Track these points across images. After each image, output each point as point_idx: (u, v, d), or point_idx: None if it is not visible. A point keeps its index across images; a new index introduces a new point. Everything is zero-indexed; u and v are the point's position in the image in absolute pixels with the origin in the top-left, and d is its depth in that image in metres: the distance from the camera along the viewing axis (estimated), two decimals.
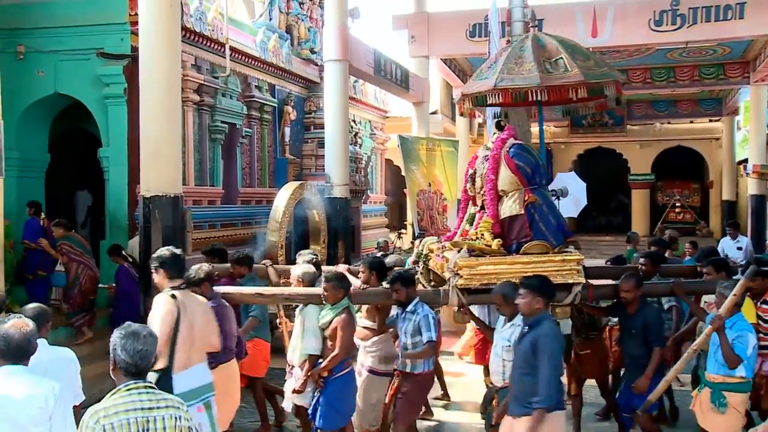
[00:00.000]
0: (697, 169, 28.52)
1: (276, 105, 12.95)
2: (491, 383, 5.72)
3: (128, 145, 10.07)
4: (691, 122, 26.66)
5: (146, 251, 7.39)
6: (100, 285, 9.19)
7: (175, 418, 3.10)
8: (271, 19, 13.14)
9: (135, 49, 8.89)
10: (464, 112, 6.57)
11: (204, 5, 10.70)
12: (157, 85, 7.74)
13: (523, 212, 5.78)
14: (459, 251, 5.86)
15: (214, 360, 5.18)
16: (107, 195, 10.43)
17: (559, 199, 15.47)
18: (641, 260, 6.68)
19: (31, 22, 10.34)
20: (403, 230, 21.96)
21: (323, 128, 12.95)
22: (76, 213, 12.95)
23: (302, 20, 14.45)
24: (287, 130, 13.38)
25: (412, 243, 17.03)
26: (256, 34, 12.23)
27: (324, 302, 5.59)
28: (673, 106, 25.40)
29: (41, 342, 3.82)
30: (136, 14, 8.53)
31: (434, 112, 21.51)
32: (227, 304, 5.64)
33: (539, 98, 5.82)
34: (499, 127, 6.24)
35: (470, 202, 6.44)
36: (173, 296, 4.71)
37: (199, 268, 5.42)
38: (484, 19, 13.95)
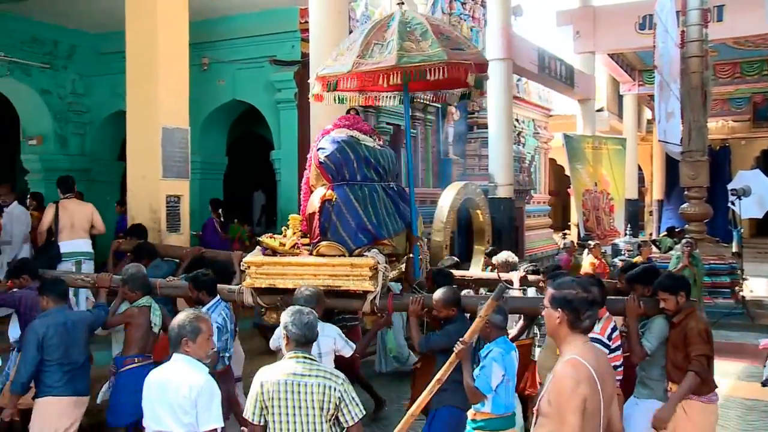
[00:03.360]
0: None
1: (439, 105, 13.00)
2: None
3: (298, 147, 10.51)
4: None
5: None
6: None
7: (326, 386, 3.44)
8: None
9: (305, 56, 9.28)
10: (314, 95, 5.88)
11: (369, 10, 10.96)
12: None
13: (317, 210, 5.32)
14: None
15: None
16: (279, 194, 10.96)
17: (740, 199, 14.46)
18: None
19: (213, 35, 11.06)
20: (567, 231, 21.33)
21: (486, 128, 12.87)
22: (253, 211, 13.75)
23: (465, 20, 14.41)
24: (450, 130, 13.40)
25: (578, 244, 16.53)
26: None
27: None
28: None
29: None
30: (306, 22, 8.91)
31: (600, 110, 20.80)
32: None
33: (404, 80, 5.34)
34: (356, 111, 5.96)
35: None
36: None
37: None
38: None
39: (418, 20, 5.53)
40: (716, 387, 4.64)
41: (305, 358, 3.54)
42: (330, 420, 3.47)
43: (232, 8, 10.66)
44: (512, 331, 5.63)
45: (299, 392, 3.43)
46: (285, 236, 5.47)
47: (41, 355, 4.82)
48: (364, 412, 3.65)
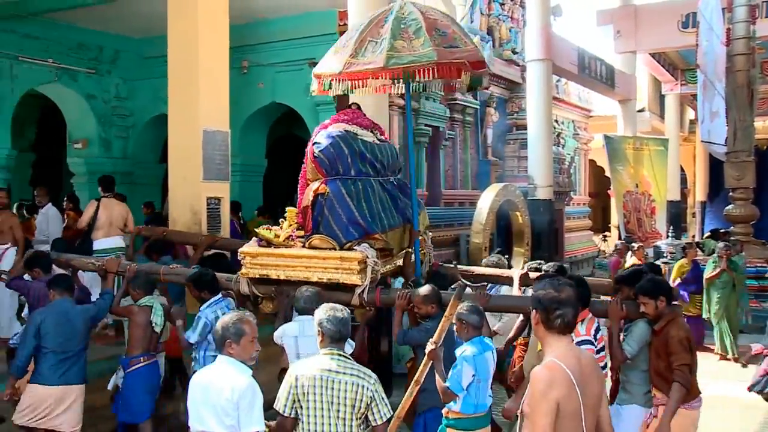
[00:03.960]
0: None
1: (478, 107, 12.94)
2: None
3: None
4: None
5: None
6: None
7: (358, 385, 3.50)
8: (472, 22, 13.17)
9: None
10: (319, 90, 5.74)
11: None
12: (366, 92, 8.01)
13: (309, 204, 5.32)
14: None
15: None
16: None
17: None
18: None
19: (253, 38, 11.17)
20: (607, 233, 21.06)
21: (525, 129, 12.77)
22: None
23: (503, 21, 14.33)
24: (489, 132, 13.32)
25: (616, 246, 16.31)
26: None
27: None
28: None
29: None
30: (345, 24, 8.94)
31: (641, 110, 20.50)
32: None
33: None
34: (358, 106, 5.96)
35: None
36: None
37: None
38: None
39: (414, 16, 5.45)
40: (699, 393, 4.56)
41: (340, 355, 3.60)
42: (360, 418, 3.53)
43: (272, 12, 10.77)
44: (510, 333, 5.64)
45: (332, 389, 3.49)
46: (282, 228, 5.59)
47: (38, 342, 5.11)
48: (392, 413, 3.71)
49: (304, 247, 5.34)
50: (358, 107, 6.04)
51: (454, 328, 4.51)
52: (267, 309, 5.64)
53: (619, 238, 15.95)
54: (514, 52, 14.31)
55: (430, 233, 6.68)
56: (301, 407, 3.52)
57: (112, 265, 6.02)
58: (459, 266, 6.85)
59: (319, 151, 5.41)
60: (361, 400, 3.50)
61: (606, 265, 14.01)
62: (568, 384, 2.76)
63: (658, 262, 11.90)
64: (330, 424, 3.50)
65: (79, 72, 11.80)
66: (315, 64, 10.30)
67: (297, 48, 10.95)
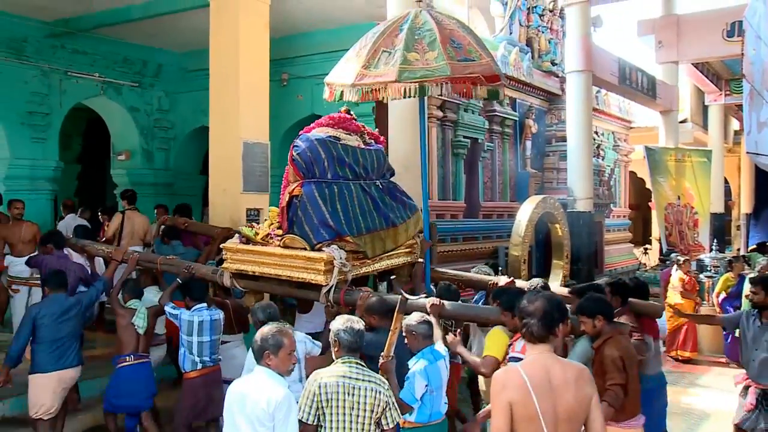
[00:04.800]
0: None
1: (517, 119, 12.87)
2: None
3: None
4: None
5: None
6: None
7: (376, 391, 3.76)
8: (511, 33, 13.12)
9: None
10: (335, 98, 6.01)
11: None
12: (404, 103, 8.00)
13: (285, 204, 5.56)
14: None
15: None
16: None
17: None
18: None
19: (292, 51, 11.29)
20: (648, 246, 20.73)
21: (565, 141, 12.65)
22: None
23: (543, 32, 14.25)
24: (528, 144, 13.23)
25: (660, 259, 16.02)
26: (497, 48, 12.26)
27: None
28: None
29: None
30: None
31: (683, 121, 20.18)
32: None
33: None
34: (348, 111, 6.20)
35: None
36: None
37: None
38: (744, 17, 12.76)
39: (429, 26, 5.54)
40: (639, 412, 4.54)
41: (357, 364, 3.86)
42: (375, 422, 3.79)
43: (311, 25, 10.87)
44: None
45: (353, 394, 3.73)
46: (262, 227, 5.87)
47: (34, 334, 5.69)
48: (401, 417, 4.06)
49: (279, 246, 5.58)
50: (348, 111, 6.25)
51: (405, 340, 4.58)
52: (249, 303, 5.96)
53: (661, 252, 15.69)
54: (553, 63, 14.21)
55: (422, 236, 6.74)
56: (324, 414, 3.73)
57: (117, 253, 6.72)
58: (448, 271, 6.99)
59: (297, 153, 5.62)
60: (378, 405, 3.76)
61: (647, 279, 13.79)
62: (522, 389, 2.91)
63: (701, 276, 11.71)
64: (351, 429, 3.72)
65: (123, 85, 12.07)
66: None
67: (336, 60, 10.90)
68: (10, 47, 10.39)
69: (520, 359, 4.33)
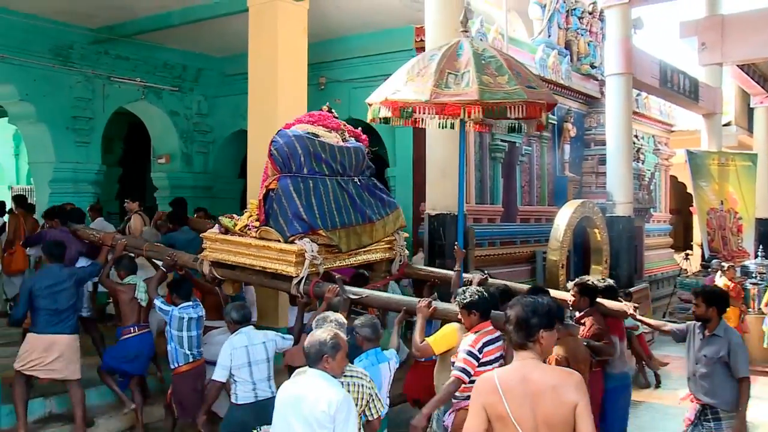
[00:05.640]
0: None
1: (555, 122, 12.75)
2: None
3: (413, 165, 10.54)
4: None
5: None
6: None
7: (359, 385, 3.97)
8: (549, 36, 13.00)
9: None
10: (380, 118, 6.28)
11: (485, 27, 10.88)
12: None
13: (261, 197, 5.76)
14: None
15: None
16: None
17: None
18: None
19: (330, 55, 11.34)
20: (689, 251, 20.32)
21: (604, 145, 12.48)
22: None
23: (582, 35, 14.09)
24: (567, 148, 13.09)
25: (702, 265, 15.69)
26: (536, 51, 12.17)
27: None
28: None
29: None
30: (422, 41, 8.96)
31: (727, 124, 19.76)
32: None
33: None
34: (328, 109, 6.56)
35: None
36: None
37: None
38: None
39: (490, 53, 5.75)
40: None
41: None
42: (360, 414, 3.92)
43: (349, 29, 10.91)
44: None
45: (349, 391, 3.87)
46: (241, 219, 6.04)
47: (32, 302, 6.07)
48: (386, 408, 4.25)
49: (255, 237, 5.79)
50: (330, 110, 6.49)
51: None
52: (228, 291, 6.29)
53: (703, 257, 15.37)
54: (592, 66, 14.05)
55: (404, 233, 6.92)
56: None
57: (107, 238, 7.04)
58: (424, 267, 7.18)
59: (275, 148, 5.77)
60: (362, 398, 3.94)
61: (688, 285, 13.52)
62: (493, 392, 2.94)
63: (747, 283, 11.44)
64: None
65: (163, 90, 12.26)
66: None
67: (373, 64, 11.03)
68: (58, 54, 10.68)
69: (475, 356, 4.44)
